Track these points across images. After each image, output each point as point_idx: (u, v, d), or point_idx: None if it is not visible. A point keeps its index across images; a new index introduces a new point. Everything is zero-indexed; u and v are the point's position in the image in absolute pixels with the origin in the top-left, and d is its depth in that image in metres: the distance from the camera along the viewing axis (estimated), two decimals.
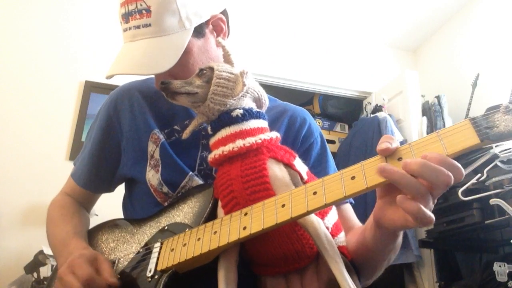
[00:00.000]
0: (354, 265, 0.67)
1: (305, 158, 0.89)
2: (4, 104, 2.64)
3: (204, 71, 0.73)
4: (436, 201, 0.53)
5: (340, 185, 0.55)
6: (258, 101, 0.76)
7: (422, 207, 0.49)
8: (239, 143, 0.67)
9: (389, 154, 0.53)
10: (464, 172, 0.50)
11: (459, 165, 0.50)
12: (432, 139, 0.52)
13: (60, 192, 0.99)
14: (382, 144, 0.54)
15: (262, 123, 0.72)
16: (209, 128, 0.73)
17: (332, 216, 0.70)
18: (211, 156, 0.70)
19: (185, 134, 0.76)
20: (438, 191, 0.50)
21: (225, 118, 0.70)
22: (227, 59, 0.76)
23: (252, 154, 0.67)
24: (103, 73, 0.80)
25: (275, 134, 0.72)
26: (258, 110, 0.73)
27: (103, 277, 0.69)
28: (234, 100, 0.70)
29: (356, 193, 0.54)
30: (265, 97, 0.77)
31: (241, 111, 0.70)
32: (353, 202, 0.89)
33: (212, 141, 0.71)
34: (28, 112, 2.66)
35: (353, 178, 0.54)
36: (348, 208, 0.87)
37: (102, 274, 0.69)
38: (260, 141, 0.68)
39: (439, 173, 0.49)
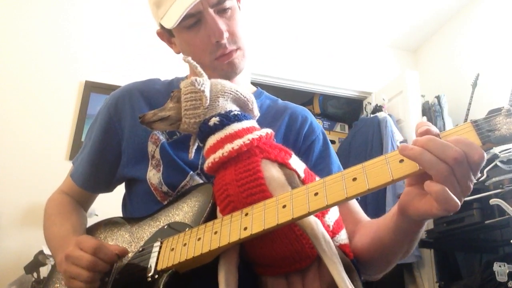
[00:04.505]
0: (356, 265, 0.67)
1: (307, 156, 0.89)
2: (4, 104, 2.64)
3: (173, 93, 0.75)
4: (470, 186, 0.52)
5: (342, 186, 0.55)
6: (238, 100, 0.74)
7: (446, 189, 0.49)
8: (228, 147, 0.66)
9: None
10: (484, 154, 0.49)
11: (473, 143, 0.50)
12: None
13: (58, 190, 0.99)
14: (422, 128, 0.53)
15: (248, 124, 0.70)
16: (198, 142, 0.74)
17: (333, 213, 0.69)
18: (205, 166, 0.70)
19: (190, 154, 0.77)
20: (457, 169, 0.49)
21: (205, 129, 0.70)
22: (196, 72, 0.75)
23: (245, 157, 0.66)
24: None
25: (265, 131, 0.70)
26: (237, 112, 0.71)
27: (111, 248, 0.71)
28: (206, 109, 0.70)
29: (357, 195, 0.54)
30: (243, 93, 0.74)
31: (217, 118, 0.69)
32: (358, 197, 0.89)
33: (204, 152, 0.71)
34: (28, 112, 2.66)
35: (354, 179, 0.54)
36: (354, 203, 0.87)
37: (108, 247, 0.72)
38: (248, 141, 0.66)
39: (446, 147, 0.49)
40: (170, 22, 0.82)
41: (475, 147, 0.50)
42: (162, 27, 0.89)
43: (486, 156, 0.50)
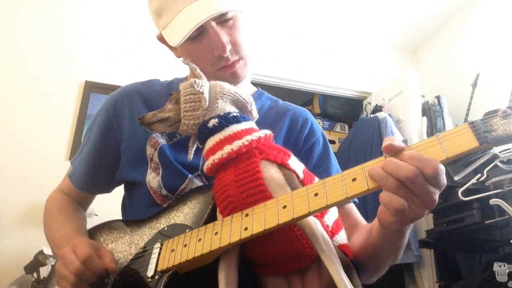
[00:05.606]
0: (355, 264, 0.67)
1: (307, 158, 0.89)
2: (4, 104, 2.64)
3: (172, 95, 0.75)
4: (433, 198, 0.53)
5: (341, 186, 0.56)
6: (237, 102, 0.74)
7: (392, 194, 0.52)
8: (227, 148, 0.67)
9: (395, 152, 0.55)
10: (441, 165, 0.52)
11: (427, 158, 0.52)
12: (432, 142, 0.54)
13: (56, 189, 0.99)
14: (386, 143, 0.55)
15: (247, 125, 0.71)
16: (197, 143, 0.74)
17: (333, 214, 0.70)
18: (204, 167, 0.71)
19: (189, 155, 0.77)
20: (410, 185, 0.52)
21: (205, 130, 0.70)
22: (195, 74, 0.75)
23: (244, 158, 0.67)
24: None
25: (263, 133, 0.71)
26: (236, 114, 0.71)
27: (103, 261, 0.71)
28: (205, 110, 0.71)
29: (357, 195, 0.55)
30: (242, 95, 0.75)
31: (216, 119, 0.69)
32: (357, 201, 0.89)
33: (203, 153, 0.71)
34: (28, 112, 2.66)
35: (354, 179, 0.55)
36: (352, 207, 0.87)
37: (102, 259, 0.71)
38: (247, 142, 0.67)
39: (399, 167, 0.52)
40: (174, 40, 0.81)
41: (429, 161, 0.51)
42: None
43: (443, 169, 0.52)
